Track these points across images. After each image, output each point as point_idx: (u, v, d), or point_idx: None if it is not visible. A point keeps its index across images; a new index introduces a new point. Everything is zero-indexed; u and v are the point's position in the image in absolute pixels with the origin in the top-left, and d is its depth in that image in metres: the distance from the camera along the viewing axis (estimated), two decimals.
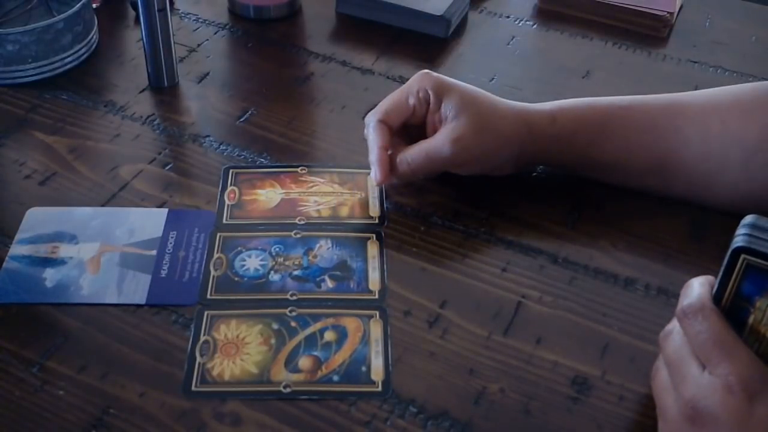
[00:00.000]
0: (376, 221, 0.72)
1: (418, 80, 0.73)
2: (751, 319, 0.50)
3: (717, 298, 0.51)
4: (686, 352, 0.51)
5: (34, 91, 0.85)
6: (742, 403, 0.48)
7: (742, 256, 0.49)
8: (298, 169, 0.77)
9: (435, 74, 0.73)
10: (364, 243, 0.70)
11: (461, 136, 0.70)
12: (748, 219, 0.50)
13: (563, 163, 0.75)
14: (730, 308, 0.51)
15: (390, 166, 0.71)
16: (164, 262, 0.68)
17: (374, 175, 0.72)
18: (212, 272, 0.67)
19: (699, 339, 0.50)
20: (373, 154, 0.71)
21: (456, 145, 0.70)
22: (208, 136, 0.80)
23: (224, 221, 0.71)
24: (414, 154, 0.71)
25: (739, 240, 0.49)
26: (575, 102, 0.73)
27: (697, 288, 0.52)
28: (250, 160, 0.78)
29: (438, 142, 0.71)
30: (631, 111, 0.72)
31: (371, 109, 0.74)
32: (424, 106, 0.72)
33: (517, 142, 0.72)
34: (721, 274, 0.50)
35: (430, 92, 0.72)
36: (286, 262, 0.68)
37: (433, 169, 0.72)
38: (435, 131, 0.72)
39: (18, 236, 0.69)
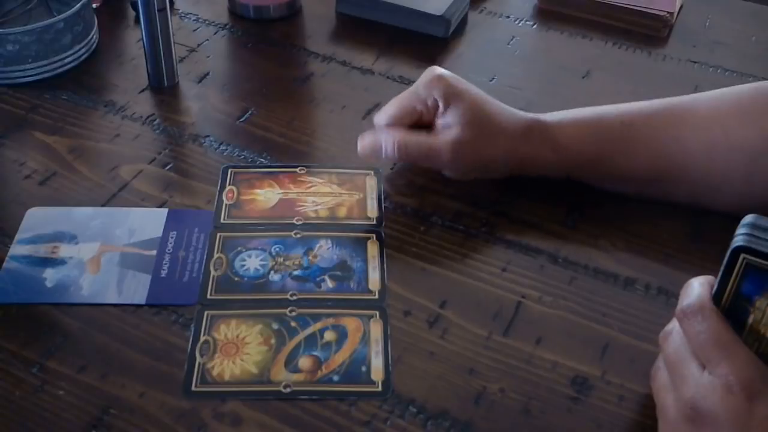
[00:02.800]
0: (374, 222, 0.72)
1: (428, 86, 0.72)
2: (750, 319, 0.50)
3: (717, 297, 0.51)
4: (686, 352, 0.51)
5: (34, 91, 0.85)
6: (741, 402, 0.48)
7: (742, 255, 0.49)
8: (297, 170, 0.76)
9: (446, 78, 0.71)
10: (364, 243, 0.70)
11: (463, 146, 0.70)
12: (748, 218, 0.50)
13: (561, 176, 0.73)
14: (730, 308, 0.51)
15: (380, 142, 0.72)
16: (164, 262, 0.68)
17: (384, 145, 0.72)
18: (212, 272, 0.67)
19: (699, 339, 0.50)
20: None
21: (457, 152, 0.70)
22: (208, 136, 0.80)
23: (222, 221, 0.71)
24: (413, 145, 0.71)
25: (738, 239, 0.49)
26: (579, 118, 0.72)
27: (697, 288, 0.52)
28: (249, 160, 0.78)
29: (440, 144, 0.70)
30: (634, 127, 0.70)
31: (372, 109, 0.74)
32: (432, 113, 0.72)
33: (518, 161, 0.71)
34: (720, 273, 0.50)
35: (439, 100, 0.71)
36: (286, 262, 0.68)
37: (427, 165, 0.73)
38: (439, 129, 0.72)
39: (18, 236, 0.69)
